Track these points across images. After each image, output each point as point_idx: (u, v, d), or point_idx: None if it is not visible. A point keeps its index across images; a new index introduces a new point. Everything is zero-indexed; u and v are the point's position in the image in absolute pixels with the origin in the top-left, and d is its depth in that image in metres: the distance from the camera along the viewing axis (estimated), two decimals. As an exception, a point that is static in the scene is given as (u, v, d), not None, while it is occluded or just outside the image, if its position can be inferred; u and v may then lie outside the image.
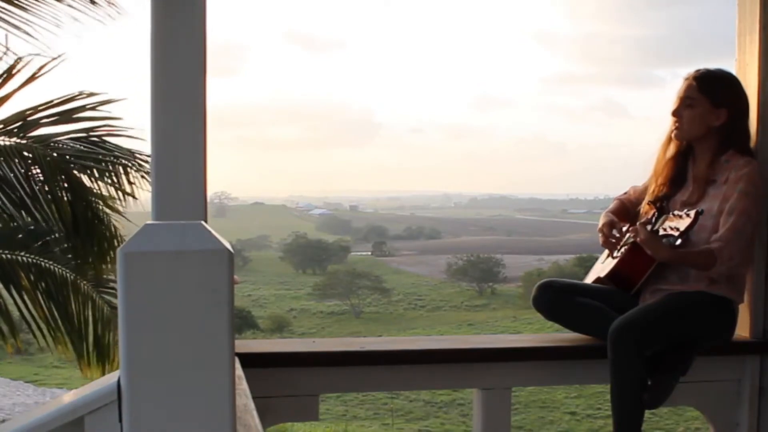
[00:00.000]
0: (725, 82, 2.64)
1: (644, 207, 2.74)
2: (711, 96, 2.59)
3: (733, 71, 2.77)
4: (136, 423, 0.99)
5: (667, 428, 22.79)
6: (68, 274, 5.29)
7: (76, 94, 5.06)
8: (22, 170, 4.76)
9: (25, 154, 4.88)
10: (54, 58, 4.88)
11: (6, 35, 4.69)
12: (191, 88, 2.01)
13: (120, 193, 5.19)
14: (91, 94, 5.08)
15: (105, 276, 5.44)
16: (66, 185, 5.01)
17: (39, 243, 5.32)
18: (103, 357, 5.40)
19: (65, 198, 4.97)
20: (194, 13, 2.00)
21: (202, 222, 1.06)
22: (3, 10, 4.65)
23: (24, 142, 4.94)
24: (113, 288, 5.38)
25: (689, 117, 2.62)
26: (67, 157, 5.04)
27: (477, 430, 2.65)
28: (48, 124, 5.08)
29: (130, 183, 5.17)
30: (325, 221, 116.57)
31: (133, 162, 5.19)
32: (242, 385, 1.76)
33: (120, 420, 1.03)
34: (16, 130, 4.98)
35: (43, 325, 5.18)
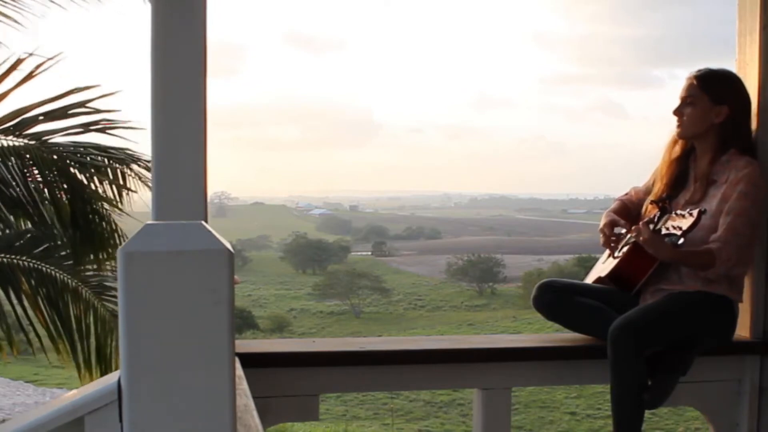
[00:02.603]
0: (725, 79, 2.66)
1: (647, 207, 2.74)
2: (711, 93, 2.61)
3: (733, 71, 2.77)
4: (136, 423, 0.99)
5: (667, 428, 22.77)
6: (69, 280, 5.21)
7: (73, 89, 4.96)
8: (19, 170, 4.68)
9: (23, 153, 4.79)
10: (51, 58, 4.83)
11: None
12: (191, 88, 2.02)
13: (119, 190, 5.08)
14: (86, 88, 4.97)
15: (105, 274, 5.35)
16: (64, 184, 4.92)
17: (40, 249, 5.23)
18: (105, 368, 5.23)
19: (64, 197, 4.88)
20: (194, 13, 2.00)
21: (202, 222, 1.06)
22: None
23: (21, 141, 4.86)
24: (114, 295, 5.32)
25: (690, 115, 2.63)
26: (65, 154, 4.96)
27: (477, 430, 2.65)
28: (45, 121, 4.99)
29: (124, 186, 5.06)
30: (325, 221, 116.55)
31: (135, 161, 5.12)
32: (242, 385, 1.76)
33: (120, 420, 1.03)
34: (12, 128, 4.90)
35: (43, 332, 5.09)
